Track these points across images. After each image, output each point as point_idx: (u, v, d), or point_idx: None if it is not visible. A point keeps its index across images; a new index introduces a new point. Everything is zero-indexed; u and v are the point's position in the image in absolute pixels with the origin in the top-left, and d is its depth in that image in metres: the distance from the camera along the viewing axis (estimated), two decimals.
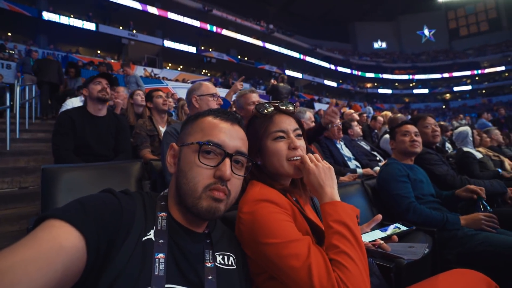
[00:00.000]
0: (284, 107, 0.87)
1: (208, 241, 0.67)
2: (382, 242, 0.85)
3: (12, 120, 3.98)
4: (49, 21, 14.79)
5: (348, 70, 31.24)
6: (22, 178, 3.04)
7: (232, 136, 0.67)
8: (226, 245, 0.72)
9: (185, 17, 19.51)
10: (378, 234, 0.92)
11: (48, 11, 14.92)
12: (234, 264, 0.69)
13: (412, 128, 1.80)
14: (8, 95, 4.03)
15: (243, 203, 0.78)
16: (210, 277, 0.60)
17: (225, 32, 21.38)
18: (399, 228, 0.94)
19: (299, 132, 0.86)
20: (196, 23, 20.11)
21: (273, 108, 0.86)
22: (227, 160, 0.64)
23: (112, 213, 0.54)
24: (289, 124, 0.85)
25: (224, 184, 0.63)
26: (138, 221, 0.58)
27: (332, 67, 29.94)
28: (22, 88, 6.00)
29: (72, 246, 0.45)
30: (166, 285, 0.53)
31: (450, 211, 1.64)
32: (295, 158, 0.82)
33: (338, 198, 0.75)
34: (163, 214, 0.63)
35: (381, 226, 1.02)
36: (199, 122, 0.69)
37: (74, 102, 3.37)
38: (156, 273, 0.53)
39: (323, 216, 0.73)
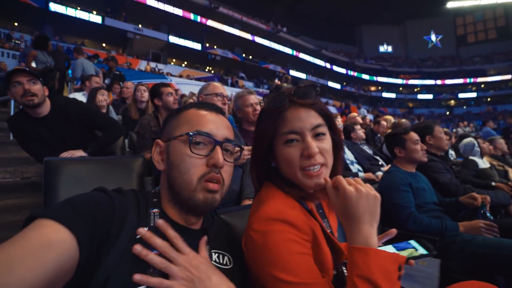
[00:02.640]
0: (300, 98, 0.67)
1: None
2: None
3: (15, 110, 3.98)
4: (55, 12, 14.84)
5: (343, 70, 30.90)
6: (25, 168, 3.04)
7: (218, 124, 0.67)
8: (223, 243, 0.70)
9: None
10: (390, 251, 0.84)
11: (55, 2, 14.95)
12: (229, 264, 0.67)
13: (417, 136, 1.80)
14: None
15: (255, 218, 0.64)
16: None
17: (210, 22, 20.64)
18: (416, 250, 0.86)
19: (321, 130, 0.66)
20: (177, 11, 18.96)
21: (285, 99, 0.67)
22: (218, 148, 0.64)
23: (103, 211, 0.53)
24: (306, 121, 0.65)
25: (218, 172, 0.63)
26: (131, 219, 0.57)
27: (328, 65, 29.52)
28: None
29: (62, 245, 0.45)
30: None
31: (452, 220, 1.63)
32: (311, 168, 0.64)
33: (375, 242, 0.57)
34: (155, 210, 0.62)
35: (394, 238, 0.92)
36: (184, 114, 0.68)
37: (77, 97, 3.35)
38: (151, 270, 0.53)
39: (349, 264, 0.57)
